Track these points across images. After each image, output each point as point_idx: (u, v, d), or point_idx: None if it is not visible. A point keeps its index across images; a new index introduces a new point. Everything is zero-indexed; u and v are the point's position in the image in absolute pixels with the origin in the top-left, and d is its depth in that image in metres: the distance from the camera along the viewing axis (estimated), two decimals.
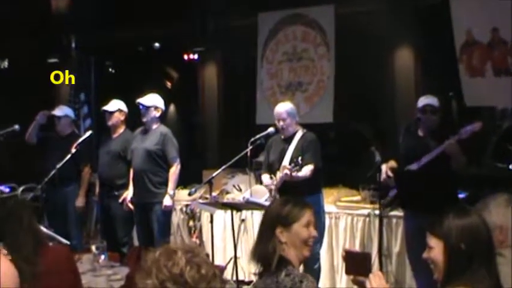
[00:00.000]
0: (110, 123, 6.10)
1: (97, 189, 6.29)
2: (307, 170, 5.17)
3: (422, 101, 5.00)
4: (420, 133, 5.06)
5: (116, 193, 5.96)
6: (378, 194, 5.23)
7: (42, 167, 6.12)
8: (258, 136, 5.54)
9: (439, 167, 4.77)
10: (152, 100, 5.83)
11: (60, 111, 6.47)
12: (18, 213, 2.57)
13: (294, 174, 5.05)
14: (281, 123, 5.39)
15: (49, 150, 6.33)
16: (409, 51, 6.97)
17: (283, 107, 5.44)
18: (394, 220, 5.48)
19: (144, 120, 5.83)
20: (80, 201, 6.25)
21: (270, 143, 5.58)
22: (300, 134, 5.40)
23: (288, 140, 5.41)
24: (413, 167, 4.91)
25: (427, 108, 4.94)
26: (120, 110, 6.09)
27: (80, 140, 5.99)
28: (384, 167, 5.06)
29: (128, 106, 6.17)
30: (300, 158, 5.05)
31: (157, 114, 5.83)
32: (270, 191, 5.37)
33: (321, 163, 5.32)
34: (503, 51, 6.03)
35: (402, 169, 5.03)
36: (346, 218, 5.83)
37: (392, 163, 5.14)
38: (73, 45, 8.41)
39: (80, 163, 6.19)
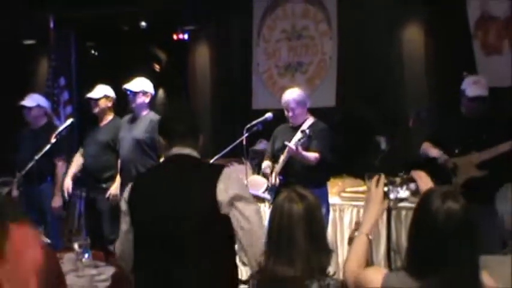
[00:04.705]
0: (96, 111, 6.03)
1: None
2: (312, 156, 5.11)
3: (473, 90, 4.72)
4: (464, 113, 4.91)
5: (103, 185, 5.89)
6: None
7: (15, 163, 6.07)
8: (254, 122, 5.50)
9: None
10: (140, 85, 5.77)
11: (31, 100, 6.25)
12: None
13: (300, 150, 4.98)
14: (290, 113, 5.33)
15: (22, 147, 6.21)
16: (418, 27, 6.98)
17: (291, 95, 5.33)
18: (403, 212, 5.46)
19: (133, 106, 5.81)
20: (56, 201, 6.11)
21: (276, 132, 5.54)
22: (309, 122, 5.35)
23: (297, 128, 5.33)
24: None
25: (478, 99, 4.72)
26: (106, 96, 6.02)
27: (60, 128, 5.89)
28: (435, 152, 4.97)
29: (113, 91, 6.09)
30: (308, 130, 5.00)
31: (146, 99, 5.77)
32: (268, 176, 5.35)
33: (330, 155, 5.24)
34: None
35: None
36: (352, 211, 5.84)
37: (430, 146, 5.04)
38: (51, 24, 8.31)
39: (54, 157, 6.05)
